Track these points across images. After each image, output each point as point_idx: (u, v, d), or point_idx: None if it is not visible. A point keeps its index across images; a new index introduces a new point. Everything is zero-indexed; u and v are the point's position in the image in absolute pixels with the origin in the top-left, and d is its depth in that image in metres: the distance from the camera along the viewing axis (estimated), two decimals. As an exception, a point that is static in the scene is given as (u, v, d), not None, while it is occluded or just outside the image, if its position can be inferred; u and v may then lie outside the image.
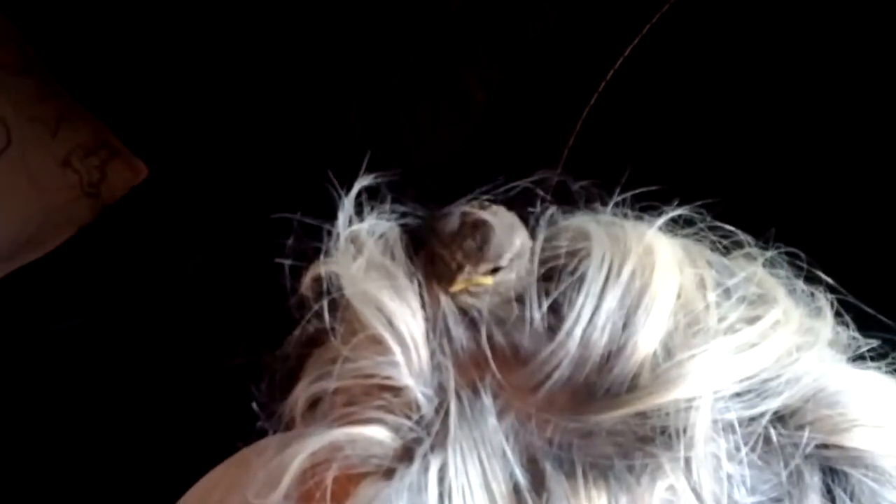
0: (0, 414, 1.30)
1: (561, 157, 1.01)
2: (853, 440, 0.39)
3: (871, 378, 0.42)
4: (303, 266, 0.44)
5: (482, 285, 0.40)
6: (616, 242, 0.41)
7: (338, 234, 0.43)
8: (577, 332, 0.38)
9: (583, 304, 0.39)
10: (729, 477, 0.37)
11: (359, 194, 0.44)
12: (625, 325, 0.38)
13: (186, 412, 1.30)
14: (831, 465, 0.39)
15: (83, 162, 1.42)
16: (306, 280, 0.44)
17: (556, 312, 0.39)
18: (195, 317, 1.36)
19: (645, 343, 0.38)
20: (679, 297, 0.40)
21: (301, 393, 0.41)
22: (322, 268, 0.43)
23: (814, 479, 0.39)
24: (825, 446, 0.39)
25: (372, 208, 0.44)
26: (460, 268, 0.40)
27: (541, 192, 0.47)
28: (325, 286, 0.43)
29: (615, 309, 0.39)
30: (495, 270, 0.40)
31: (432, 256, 0.41)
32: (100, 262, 1.41)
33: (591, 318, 0.38)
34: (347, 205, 0.43)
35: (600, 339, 0.38)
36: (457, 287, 0.40)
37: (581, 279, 0.40)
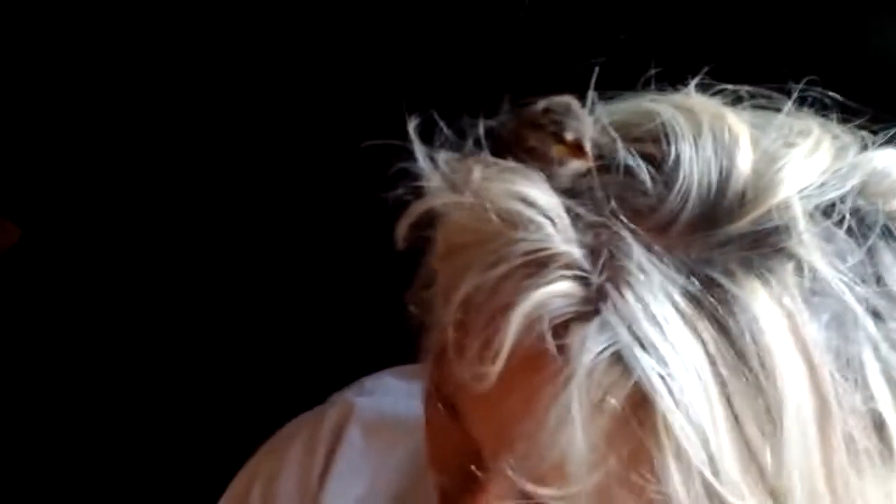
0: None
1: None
2: None
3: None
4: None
5: (581, 160, 0.49)
6: (681, 106, 0.51)
7: (435, 167, 0.50)
8: (693, 179, 0.48)
9: (688, 157, 0.49)
10: (832, 249, 0.48)
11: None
12: (725, 160, 0.49)
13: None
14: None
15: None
16: (412, 213, 0.50)
17: (660, 170, 0.49)
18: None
19: (743, 168, 0.48)
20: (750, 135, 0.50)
21: (463, 287, 0.47)
22: (427, 201, 0.50)
23: (892, 245, 0.49)
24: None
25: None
26: (561, 143, 0.49)
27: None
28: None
29: (711, 151, 0.49)
30: (580, 148, 0.49)
31: (529, 149, 0.49)
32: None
33: (696, 165, 0.48)
34: (416, 143, 0.51)
35: (706, 178, 0.48)
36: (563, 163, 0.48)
37: (674, 140, 0.49)
